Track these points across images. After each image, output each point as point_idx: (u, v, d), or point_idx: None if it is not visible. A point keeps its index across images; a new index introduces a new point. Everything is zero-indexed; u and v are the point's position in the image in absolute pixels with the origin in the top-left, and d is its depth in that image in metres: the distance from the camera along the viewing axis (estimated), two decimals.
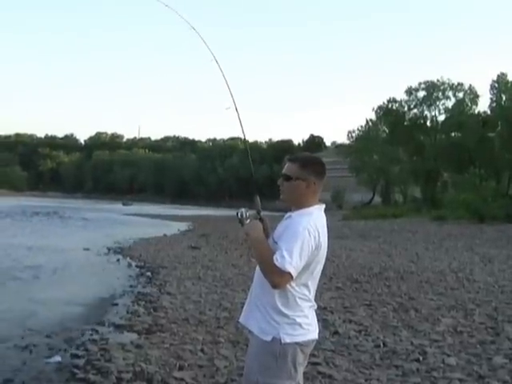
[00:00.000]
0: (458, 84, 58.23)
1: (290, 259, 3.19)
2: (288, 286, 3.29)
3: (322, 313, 9.11)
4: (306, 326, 3.38)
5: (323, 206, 3.51)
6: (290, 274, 3.20)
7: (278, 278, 3.23)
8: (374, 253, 20.00)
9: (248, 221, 3.52)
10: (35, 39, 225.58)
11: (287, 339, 3.30)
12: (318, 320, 3.56)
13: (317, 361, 6.66)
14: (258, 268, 3.43)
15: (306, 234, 3.26)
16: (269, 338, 3.31)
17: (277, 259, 3.20)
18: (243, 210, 3.56)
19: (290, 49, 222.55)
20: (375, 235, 28.60)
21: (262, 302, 3.38)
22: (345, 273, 14.59)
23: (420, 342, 7.78)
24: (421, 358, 7.02)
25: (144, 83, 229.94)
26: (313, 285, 3.44)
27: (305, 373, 3.57)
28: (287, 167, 3.49)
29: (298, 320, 3.35)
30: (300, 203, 3.44)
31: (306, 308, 3.41)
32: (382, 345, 7.62)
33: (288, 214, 3.51)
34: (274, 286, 3.26)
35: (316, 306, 3.51)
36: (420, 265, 16.42)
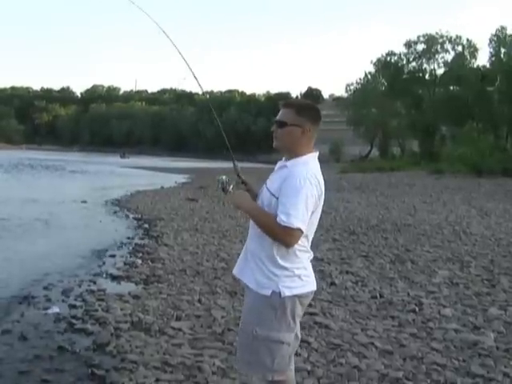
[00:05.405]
0: (457, 37, 57.44)
1: (297, 213, 3.10)
2: None
3: (319, 264, 9.16)
4: (304, 277, 3.32)
5: (317, 153, 3.40)
6: (299, 229, 3.13)
7: (289, 237, 3.15)
8: (372, 205, 20.01)
9: (231, 187, 3.44)
10: None
11: (287, 292, 3.23)
12: (315, 271, 3.53)
13: (314, 311, 6.71)
14: (251, 222, 3.35)
15: (308, 184, 3.16)
16: (268, 293, 3.23)
17: (282, 220, 3.10)
18: (223, 177, 3.48)
19: None
20: (373, 188, 28.57)
21: (260, 256, 3.29)
22: (342, 225, 14.61)
23: (416, 294, 7.83)
24: (417, 309, 7.07)
25: (141, 35, 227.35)
26: (311, 234, 3.38)
27: (302, 323, 3.57)
28: (282, 113, 3.35)
29: (297, 272, 3.28)
30: (294, 151, 3.32)
31: (305, 259, 3.35)
32: (378, 296, 7.67)
33: (280, 163, 3.41)
34: (288, 245, 3.19)
35: (312, 256, 3.46)
36: (417, 217, 16.44)
